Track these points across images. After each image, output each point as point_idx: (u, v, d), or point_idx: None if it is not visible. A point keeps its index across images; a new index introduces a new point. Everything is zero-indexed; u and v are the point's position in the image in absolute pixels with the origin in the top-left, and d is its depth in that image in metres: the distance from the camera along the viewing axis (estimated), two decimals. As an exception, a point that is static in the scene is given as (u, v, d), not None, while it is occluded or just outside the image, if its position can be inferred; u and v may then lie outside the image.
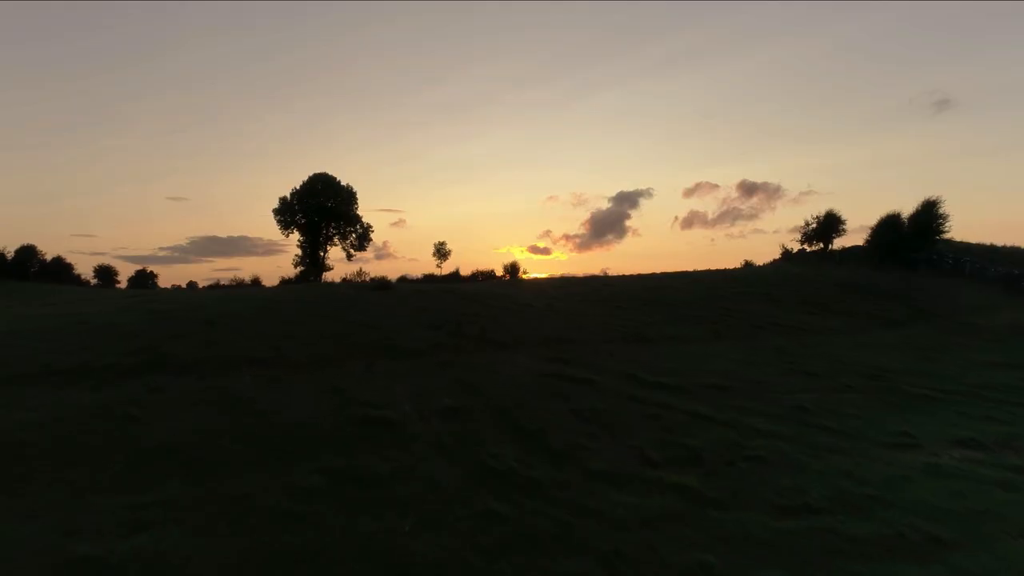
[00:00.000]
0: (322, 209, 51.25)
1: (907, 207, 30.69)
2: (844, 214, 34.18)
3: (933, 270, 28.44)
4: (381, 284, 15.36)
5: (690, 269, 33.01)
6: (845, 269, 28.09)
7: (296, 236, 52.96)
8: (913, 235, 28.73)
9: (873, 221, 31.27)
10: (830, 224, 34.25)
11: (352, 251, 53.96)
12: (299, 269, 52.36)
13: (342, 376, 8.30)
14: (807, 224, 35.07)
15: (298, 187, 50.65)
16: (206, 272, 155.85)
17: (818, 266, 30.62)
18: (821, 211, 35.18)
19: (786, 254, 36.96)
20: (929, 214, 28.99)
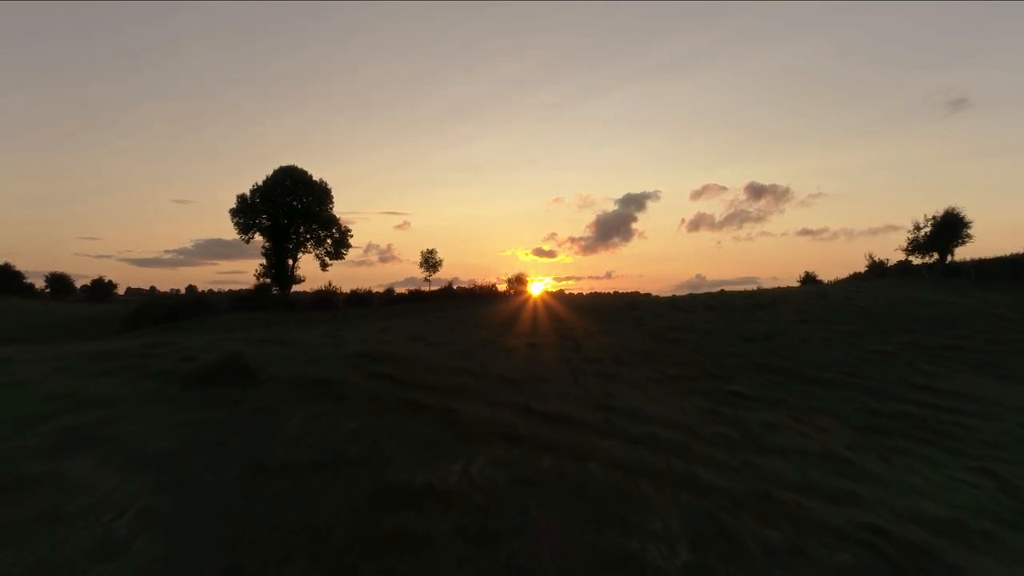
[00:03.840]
0: (290, 209, 42.94)
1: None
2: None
3: None
4: (224, 363, 6.82)
5: (738, 285, 24.56)
6: (1012, 295, 19.36)
7: (261, 241, 44.69)
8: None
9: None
10: (951, 228, 25.48)
11: (327, 259, 45.59)
12: (262, 281, 43.96)
13: None
14: (918, 228, 26.30)
15: (261, 183, 42.35)
16: (210, 275, 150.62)
17: (949, 287, 21.85)
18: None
19: (876, 267, 28.19)
20: None
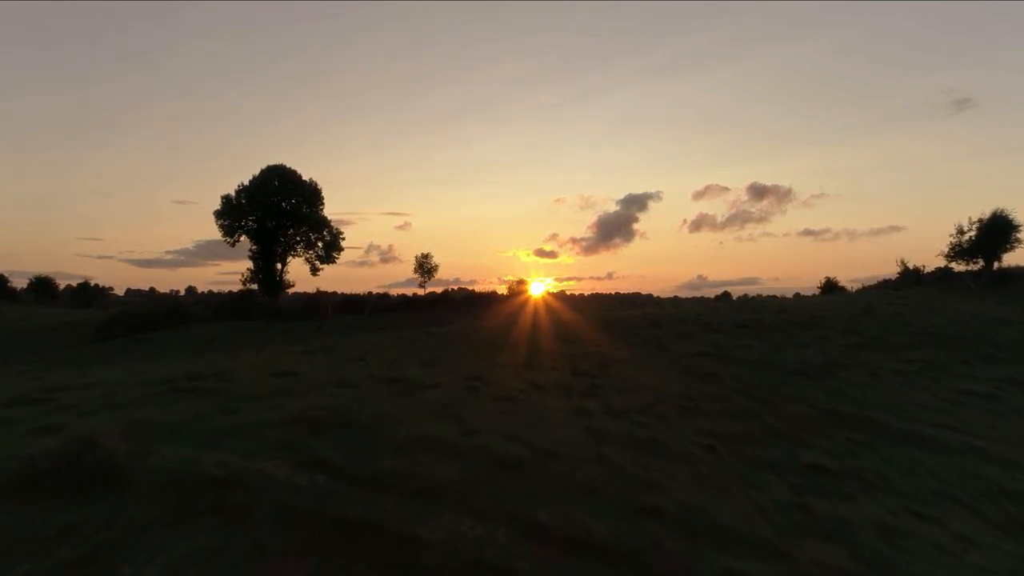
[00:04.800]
0: (278, 210, 40.71)
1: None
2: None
3: None
4: (70, 458, 4.57)
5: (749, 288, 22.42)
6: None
7: (247, 244, 42.43)
8: None
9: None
10: (999, 231, 23.04)
11: (318, 263, 43.35)
12: (249, 287, 41.72)
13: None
14: (961, 232, 23.86)
15: (247, 183, 40.09)
16: (212, 275, 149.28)
17: (1002, 298, 19.50)
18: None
19: (911, 274, 25.78)
20: None
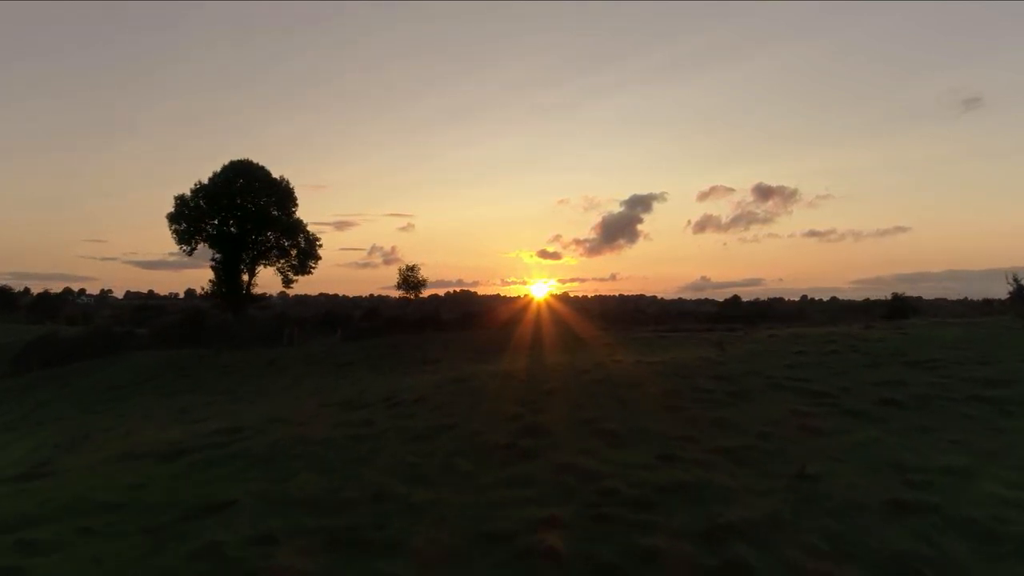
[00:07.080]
0: (244, 213, 35.20)
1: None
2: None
3: None
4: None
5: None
6: None
7: (208, 252, 36.90)
8: None
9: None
10: None
11: (291, 274, 37.81)
12: (215, 299, 36.21)
13: None
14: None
15: (206, 181, 34.54)
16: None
17: None
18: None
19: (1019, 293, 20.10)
20: None
